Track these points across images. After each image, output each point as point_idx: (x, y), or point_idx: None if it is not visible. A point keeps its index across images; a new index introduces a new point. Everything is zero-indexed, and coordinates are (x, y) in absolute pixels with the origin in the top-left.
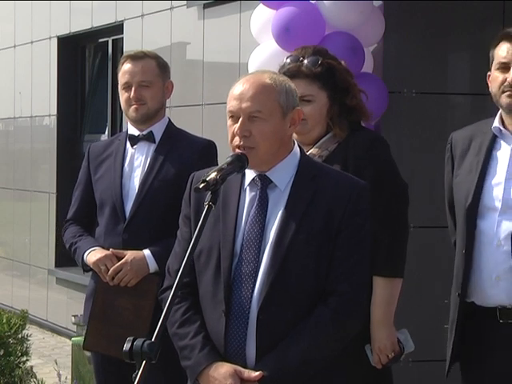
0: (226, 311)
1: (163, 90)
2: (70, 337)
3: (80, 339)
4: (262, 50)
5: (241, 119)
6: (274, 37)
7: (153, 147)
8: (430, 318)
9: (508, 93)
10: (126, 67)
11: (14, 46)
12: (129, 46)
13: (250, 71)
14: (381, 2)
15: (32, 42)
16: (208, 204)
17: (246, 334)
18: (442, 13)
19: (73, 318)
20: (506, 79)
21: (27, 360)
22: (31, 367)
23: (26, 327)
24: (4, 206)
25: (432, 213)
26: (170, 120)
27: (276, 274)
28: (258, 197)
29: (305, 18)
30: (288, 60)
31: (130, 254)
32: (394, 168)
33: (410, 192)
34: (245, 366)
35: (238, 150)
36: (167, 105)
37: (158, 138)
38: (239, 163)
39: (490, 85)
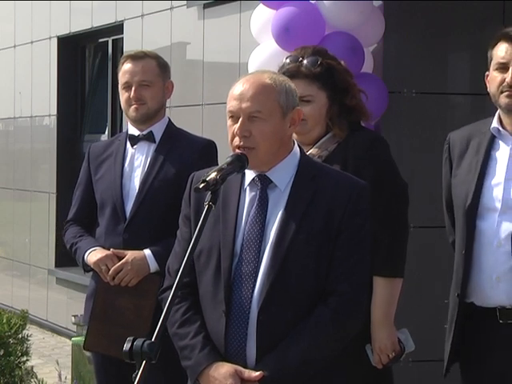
0: (226, 311)
1: (163, 90)
2: (70, 337)
3: (80, 339)
4: (262, 50)
5: (241, 119)
6: (273, 37)
7: (153, 147)
8: (430, 318)
9: (507, 93)
10: (126, 67)
11: (14, 46)
12: (129, 46)
13: (249, 71)
14: (381, 2)
15: (32, 42)
16: (208, 204)
17: (246, 334)
18: (442, 13)
19: (73, 317)
20: (504, 79)
21: (27, 360)
22: (32, 367)
23: (26, 327)
24: (4, 206)
25: (432, 213)
26: (170, 120)
27: (276, 274)
28: (257, 197)
29: (305, 18)
30: (287, 60)
31: (130, 254)
32: (393, 168)
33: (409, 192)
34: (245, 366)
35: (237, 150)
36: (167, 105)
37: (158, 137)
38: (239, 163)
39: (488, 85)
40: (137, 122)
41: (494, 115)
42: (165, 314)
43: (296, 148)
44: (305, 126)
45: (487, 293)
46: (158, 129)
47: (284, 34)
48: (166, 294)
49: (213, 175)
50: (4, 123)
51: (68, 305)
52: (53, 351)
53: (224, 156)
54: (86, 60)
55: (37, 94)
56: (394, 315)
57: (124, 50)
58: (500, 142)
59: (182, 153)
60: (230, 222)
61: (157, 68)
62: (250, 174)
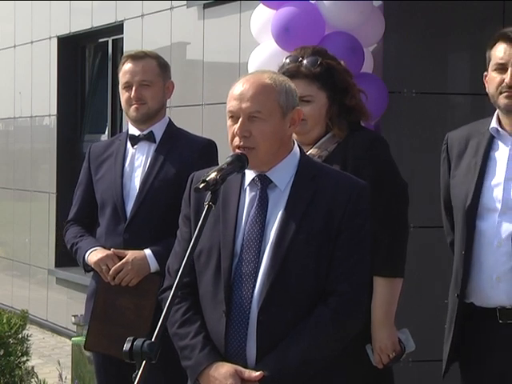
0: (226, 311)
1: (164, 90)
2: (70, 337)
3: (80, 339)
4: (262, 50)
5: (241, 119)
6: (273, 37)
7: (153, 147)
8: (430, 318)
9: (506, 94)
10: (126, 67)
11: (14, 46)
12: (129, 46)
13: (249, 71)
14: (381, 2)
15: (32, 42)
16: (208, 204)
17: (246, 334)
18: (442, 13)
19: (73, 318)
20: (503, 80)
21: (27, 360)
22: (32, 367)
23: (26, 327)
24: (4, 205)
25: (432, 213)
26: (170, 120)
27: (276, 275)
28: (257, 197)
29: (304, 18)
30: (287, 60)
31: (130, 254)
32: (393, 168)
33: (409, 192)
34: (245, 366)
35: (237, 150)
36: (167, 105)
37: (158, 137)
38: (239, 163)
39: (486, 85)
40: (137, 122)
41: (492, 115)
42: (165, 314)
43: (296, 148)
44: (305, 126)
45: (487, 293)
46: (159, 129)
47: (284, 34)
48: (166, 294)
49: (213, 175)
50: (4, 123)
51: (68, 305)
52: (53, 351)
53: (224, 156)
54: (86, 60)
55: (37, 94)
56: (394, 315)
57: (124, 50)
58: (499, 142)
59: (182, 152)
60: (230, 222)
61: (157, 68)
62: (249, 174)
